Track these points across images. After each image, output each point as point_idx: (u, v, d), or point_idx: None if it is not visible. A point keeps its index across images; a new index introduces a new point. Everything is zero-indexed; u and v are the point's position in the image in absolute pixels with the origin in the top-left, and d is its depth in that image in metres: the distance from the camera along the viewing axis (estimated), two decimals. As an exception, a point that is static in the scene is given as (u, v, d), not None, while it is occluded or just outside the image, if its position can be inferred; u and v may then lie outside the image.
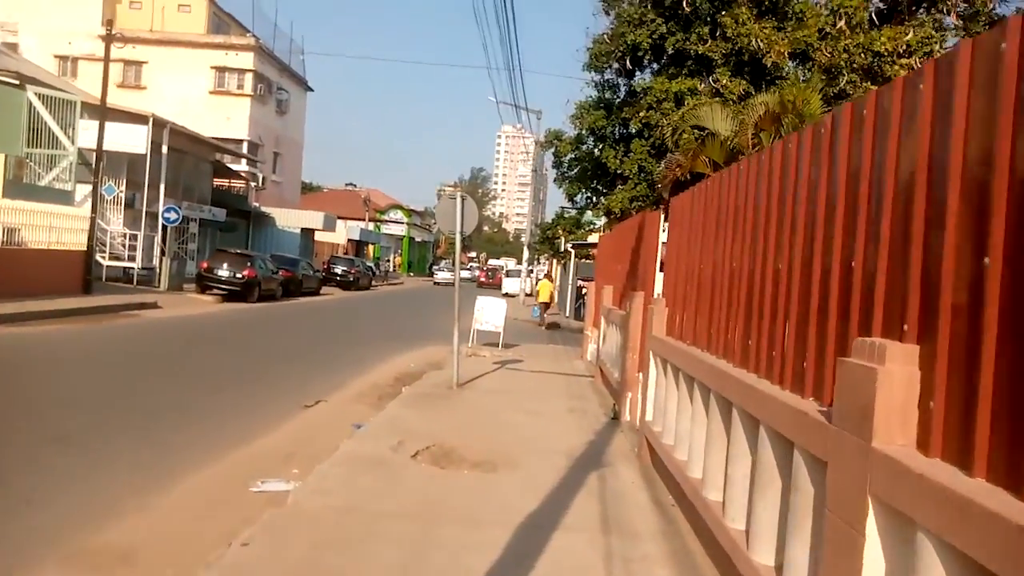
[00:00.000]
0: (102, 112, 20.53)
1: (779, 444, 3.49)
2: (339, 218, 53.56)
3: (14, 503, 5.08)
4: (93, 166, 20.64)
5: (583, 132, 18.28)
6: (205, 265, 24.15)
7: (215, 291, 23.87)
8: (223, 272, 23.73)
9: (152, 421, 7.77)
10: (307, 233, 41.13)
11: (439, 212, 10.43)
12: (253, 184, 39.29)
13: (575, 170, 19.01)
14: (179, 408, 8.43)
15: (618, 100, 17.85)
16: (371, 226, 62.90)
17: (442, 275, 59.12)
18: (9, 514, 4.88)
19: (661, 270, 7.79)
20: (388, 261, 62.16)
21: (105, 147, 23.53)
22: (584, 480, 6.26)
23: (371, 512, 5.09)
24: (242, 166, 40.21)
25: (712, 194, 5.45)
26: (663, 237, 7.95)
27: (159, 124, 24.99)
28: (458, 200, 10.25)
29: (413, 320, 24.03)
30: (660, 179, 15.52)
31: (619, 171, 16.92)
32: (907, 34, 12.48)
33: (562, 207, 42.93)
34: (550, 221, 41.83)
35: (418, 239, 76.77)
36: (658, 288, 7.81)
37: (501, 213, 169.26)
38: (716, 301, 5.04)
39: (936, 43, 12.55)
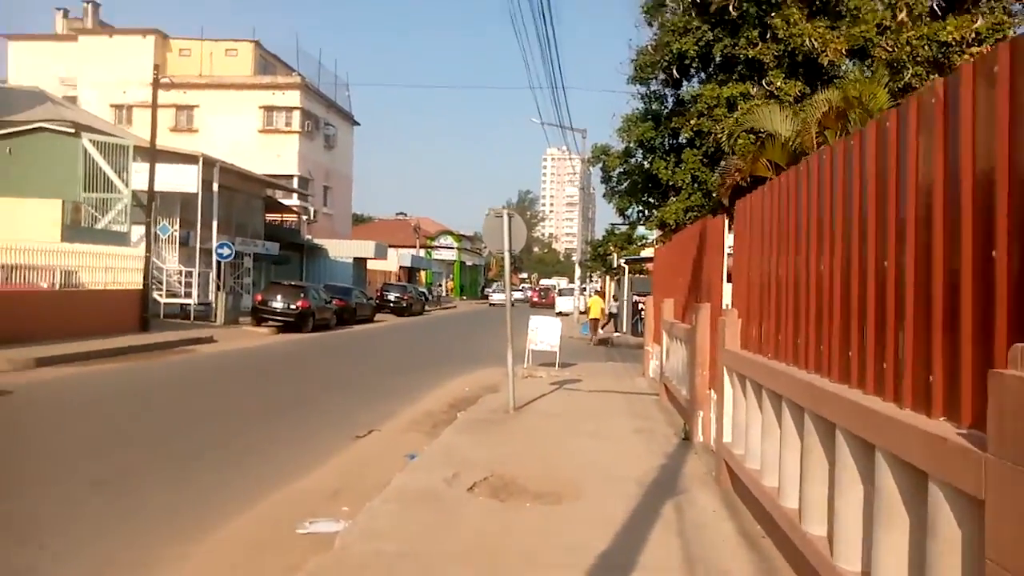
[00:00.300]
0: (152, 155, 20.86)
1: (904, 474, 2.91)
2: (390, 246, 53.99)
3: (36, 557, 4.76)
4: (146, 207, 20.90)
5: (631, 145, 17.77)
6: (259, 298, 24.29)
7: (270, 323, 23.96)
8: (277, 304, 23.81)
9: (196, 460, 7.48)
10: (359, 262, 41.40)
11: (486, 231, 10.03)
12: (304, 217, 39.77)
13: (625, 184, 18.47)
14: (224, 445, 8.13)
15: (666, 111, 17.32)
16: (422, 253, 63.20)
17: (497, 296, 60.43)
18: (32, 573, 4.55)
19: (728, 280, 7.21)
20: (440, 286, 62.25)
21: (158, 188, 23.96)
22: (659, 510, 5.69)
23: (425, 556, 4.63)
24: (293, 201, 40.80)
25: (789, 190, 4.89)
26: (728, 244, 7.37)
27: (208, 163, 25.37)
28: (504, 218, 9.83)
29: (466, 343, 23.68)
30: (717, 186, 14.90)
31: (671, 182, 16.33)
32: (975, 21, 11.67)
33: (612, 224, 42.34)
34: (600, 238, 41.23)
35: (469, 263, 76.89)
36: (726, 299, 7.22)
37: (551, 234, 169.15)
38: (802, 309, 4.46)
39: (1008, 28, 11.71)
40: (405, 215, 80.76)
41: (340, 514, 5.77)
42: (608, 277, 43.14)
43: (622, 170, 18.04)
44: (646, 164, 17.34)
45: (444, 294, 66.63)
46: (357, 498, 6.19)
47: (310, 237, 40.04)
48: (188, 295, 25.46)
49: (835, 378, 3.88)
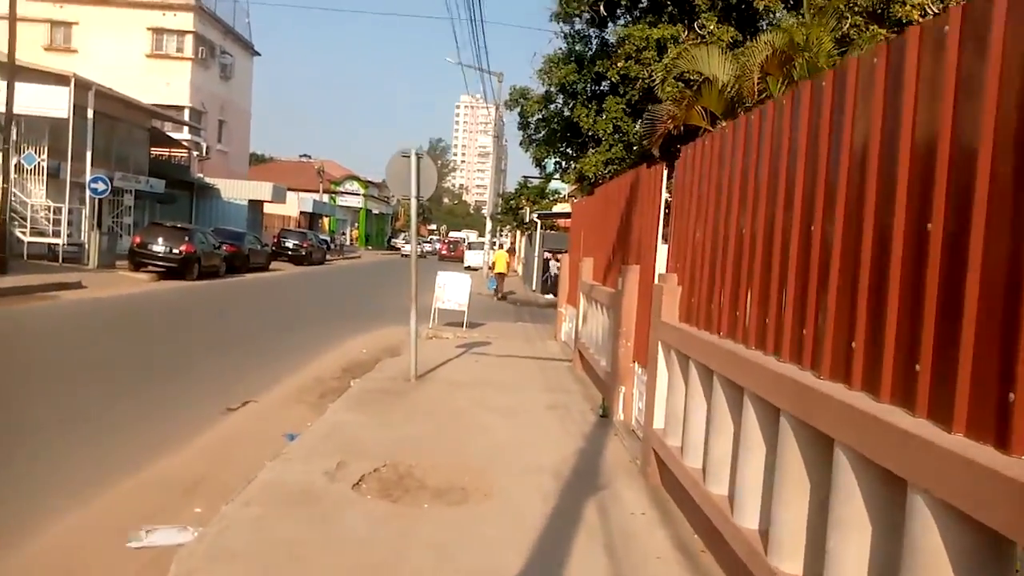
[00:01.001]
0: (10, 70, 18.20)
1: (961, 529, 2.03)
2: (291, 190, 51.18)
3: None
4: (3, 130, 18.32)
5: (552, 89, 16.66)
6: (138, 240, 22.06)
7: (150, 268, 21.84)
8: (158, 247, 21.69)
9: (30, 437, 6.09)
10: (255, 206, 38.83)
11: (390, 173, 8.78)
12: (195, 154, 36.85)
13: (543, 132, 17.39)
14: (70, 418, 6.73)
15: (590, 53, 16.25)
16: (326, 198, 60.45)
17: (408, 247, 58.04)
18: None
19: (664, 240, 6.31)
20: (344, 234, 59.89)
21: (22, 111, 21.22)
22: (581, 512, 4.79)
23: (288, 590, 3.56)
24: (184, 135, 37.68)
25: (763, 129, 3.94)
26: (666, 197, 6.46)
27: (82, 86, 22.58)
28: (412, 158, 8.61)
29: (368, 297, 22.29)
30: (639, 139, 14.06)
31: (592, 131, 15.37)
32: (918, -29, 11.07)
33: (525, 176, 41.32)
34: (513, 191, 40.23)
35: (376, 211, 74.41)
36: (661, 262, 6.33)
37: (461, 185, 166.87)
38: (778, 279, 3.55)
39: (949, -19, 11.17)
40: (309, 157, 76.93)
41: (190, 518, 4.61)
42: (519, 232, 42.26)
43: (541, 116, 16.92)
44: (567, 111, 16.28)
45: (348, 243, 64.30)
46: (216, 494, 5.04)
47: (201, 175, 37.15)
48: (57, 234, 22.87)
49: (825, 374, 3.00)
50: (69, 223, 22.94)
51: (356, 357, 11.06)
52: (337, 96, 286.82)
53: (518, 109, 17.12)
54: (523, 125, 17.37)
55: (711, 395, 4.23)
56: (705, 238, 4.79)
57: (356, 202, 67.85)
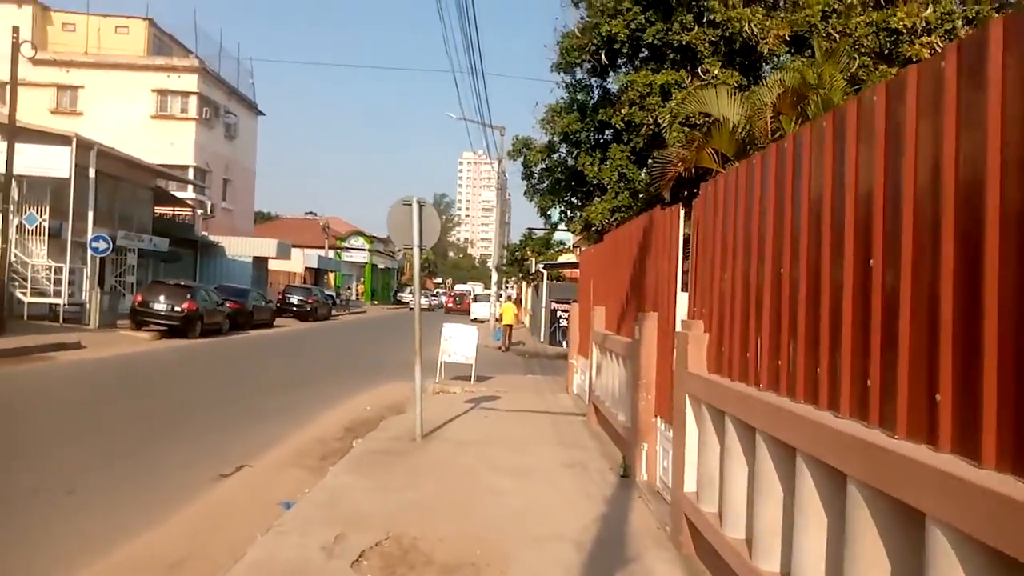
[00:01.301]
0: (10, 131, 18.17)
1: None
2: (296, 246, 51.20)
3: None
4: (2, 189, 18.19)
5: (555, 139, 16.49)
6: (139, 298, 21.75)
7: (152, 327, 21.48)
8: (159, 305, 21.36)
9: (4, 507, 5.61)
10: (260, 263, 38.67)
11: (392, 223, 8.44)
12: (199, 212, 36.87)
13: (547, 182, 17.16)
14: (52, 486, 6.25)
15: (592, 102, 16.13)
16: (331, 254, 60.47)
17: (424, 302, 60.88)
18: None
19: (684, 287, 5.91)
20: (349, 289, 59.69)
21: (24, 172, 21.22)
22: (608, 590, 4.28)
23: None
24: (188, 194, 37.79)
25: (799, 155, 3.56)
26: (683, 240, 6.07)
27: (84, 145, 22.57)
28: (415, 206, 8.28)
29: (372, 352, 21.80)
30: (645, 186, 13.80)
31: (596, 179, 15.12)
32: (925, 10, 10.92)
33: (529, 228, 41.24)
34: (517, 242, 40.04)
35: (381, 266, 74.32)
36: (682, 308, 5.91)
37: (466, 239, 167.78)
38: (831, 322, 3.12)
39: (958, 19, 11.01)
40: (315, 214, 77.42)
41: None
42: (525, 283, 41.97)
43: (544, 166, 16.71)
44: (570, 160, 16.07)
45: (354, 298, 64.08)
46: (201, 574, 4.54)
47: (206, 233, 37.11)
48: (58, 294, 22.59)
49: (902, 434, 2.55)
50: (71, 283, 22.67)
51: (360, 415, 10.57)
52: (341, 154, 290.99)
53: (521, 159, 16.93)
54: (527, 175, 17.17)
55: (754, 455, 3.76)
56: (735, 280, 4.37)
57: (361, 257, 67.80)
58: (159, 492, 6.39)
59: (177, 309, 21.31)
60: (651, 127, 12.77)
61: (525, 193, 17.47)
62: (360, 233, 68.99)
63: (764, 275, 3.88)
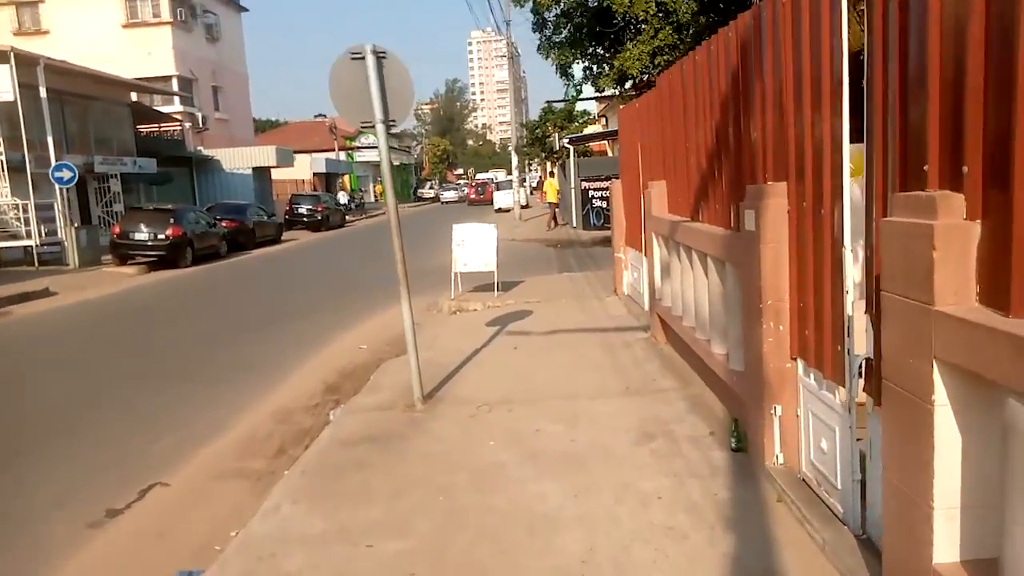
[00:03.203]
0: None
1: None
2: (305, 152, 48.11)
3: None
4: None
5: (570, -28, 13.00)
6: (117, 230, 19.26)
7: (138, 259, 19.11)
8: (140, 235, 18.89)
9: None
10: (262, 174, 35.80)
11: (337, 92, 5.48)
12: (188, 125, 33.88)
13: (564, 31, 13.78)
14: None
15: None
16: (342, 156, 57.20)
17: (449, 194, 60.83)
18: None
19: (863, 134, 3.01)
20: (363, 191, 56.70)
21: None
22: None
23: None
24: (175, 106, 34.70)
25: None
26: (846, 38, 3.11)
27: (25, 61, 19.44)
28: (368, 60, 5.33)
29: (385, 262, 19.15)
30: (691, 16, 10.51)
31: (629, 16, 11.79)
32: None
33: (548, 101, 37.37)
34: (536, 119, 36.46)
35: (397, 163, 70.83)
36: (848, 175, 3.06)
37: (484, 124, 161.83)
38: None
39: None
40: (325, 116, 73.35)
41: None
42: (549, 162, 38.57)
43: (560, 9, 13.30)
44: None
45: (373, 200, 61.26)
46: None
47: (201, 148, 34.23)
48: (30, 235, 20.21)
49: None
50: (48, 220, 20.23)
51: (352, 358, 8.05)
52: (341, 46, 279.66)
53: (530, 3, 13.45)
54: (538, 25, 13.74)
55: None
56: None
57: (375, 155, 64.44)
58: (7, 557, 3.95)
59: (160, 236, 18.81)
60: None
61: (539, 48, 14.11)
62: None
63: None
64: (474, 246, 10.58)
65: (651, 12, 11.43)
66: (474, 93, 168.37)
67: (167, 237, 18.81)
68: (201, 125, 36.21)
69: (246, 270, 18.83)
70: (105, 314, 12.93)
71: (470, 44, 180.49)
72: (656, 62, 11.47)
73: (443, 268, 11.63)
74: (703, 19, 11.18)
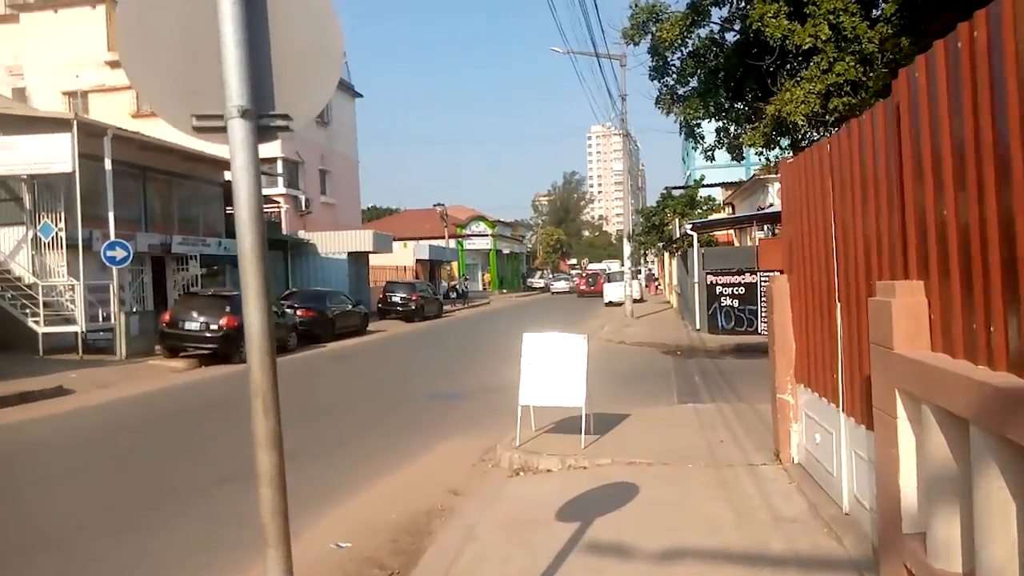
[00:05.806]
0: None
1: None
2: (407, 239, 46.68)
3: None
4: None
5: None
6: (167, 317, 17.01)
7: (189, 352, 16.70)
8: (192, 324, 16.53)
9: None
10: (358, 259, 33.96)
11: (125, 46, 2.31)
12: (285, 207, 32.69)
13: (693, 78, 10.38)
14: None
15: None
16: (452, 244, 55.67)
17: (559, 284, 60.17)
18: None
19: None
20: (467, 280, 54.59)
21: (18, 170, 17.10)
22: None
23: None
24: (279, 188, 33.77)
25: None
26: None
27: (90, 131, 17.92)
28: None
29: (455, 369, 15.80)
30: (882, 41, 6.89)
31: (792, 47, 8.27)
32: None
33: (667, 187, 33.98)
34: (654, 205, 33.03)
35: (507, 251, 68.88)
36: None
37: (600, 216, 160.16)
38: None
39: None
40: (443, 205, 73.16)
41: None
42: (667, 253, 34.79)
43: (689, 51, 9.94)
44: (735, 29, 9.24)
45: (481, 288, 59.18)
46: None
47: (302, 232, 32.86)
48: (94, 319, 18.36)
49: None
50: (105, 303, 18.38)
51: (371, 541, 4.56)
52: (464, 141, 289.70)
53: (647, 40, 10.10)
54: (658, 70, 10.34)
55: None
56: None
57: (485, 244, 62.75)
58: None
59: (214, 327, 16.38)
60: None
61: (657, 102, 10.63)
62: (482, 218, 63.99)
63: None
64: (553, 368, 7.00)
65: (823, 37, 7.87)
66: (591, 185, 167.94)
67: (220, 328, 16.35)
68: (304, 208, 35.12)
69: (301, 372, 15.89)
70: (115, 423, 10.24)
71: (589, 138, 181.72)
72: (830, 106, 7.83)
73: (509, 389, 8.16)
74: (904, 41, 7.53)
